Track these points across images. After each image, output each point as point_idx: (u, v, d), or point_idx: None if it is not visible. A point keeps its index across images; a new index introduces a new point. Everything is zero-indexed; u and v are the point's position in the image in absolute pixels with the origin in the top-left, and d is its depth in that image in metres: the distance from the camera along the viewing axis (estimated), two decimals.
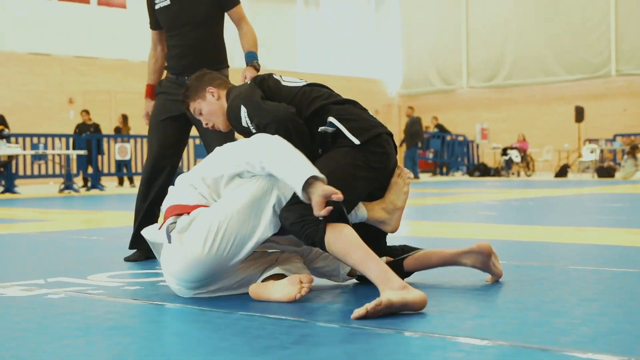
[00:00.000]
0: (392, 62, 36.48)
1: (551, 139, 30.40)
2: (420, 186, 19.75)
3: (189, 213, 3.78)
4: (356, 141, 3.95)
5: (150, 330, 3.30)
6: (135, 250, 5.57)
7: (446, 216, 9.97)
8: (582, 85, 31.01)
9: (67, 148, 19.89)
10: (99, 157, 20.96)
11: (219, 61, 5.50)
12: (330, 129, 3.99)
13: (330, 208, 3.48)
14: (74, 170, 19.84)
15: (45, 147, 19.97)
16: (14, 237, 7.79)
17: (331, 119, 4.01)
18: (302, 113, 4.04)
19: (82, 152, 19.25)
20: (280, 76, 4.29)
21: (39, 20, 25.40)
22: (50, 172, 21.14)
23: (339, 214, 3.60)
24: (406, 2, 35.76)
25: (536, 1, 31.70)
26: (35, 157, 20.20)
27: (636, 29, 29.76)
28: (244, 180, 3.82)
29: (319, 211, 3.48)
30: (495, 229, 7.69)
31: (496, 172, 27.32)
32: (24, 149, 19.80)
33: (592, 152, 26.10)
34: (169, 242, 3.77)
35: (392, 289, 3.39)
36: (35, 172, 21.19)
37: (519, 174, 27.25)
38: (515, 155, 27.17)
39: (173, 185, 4.16)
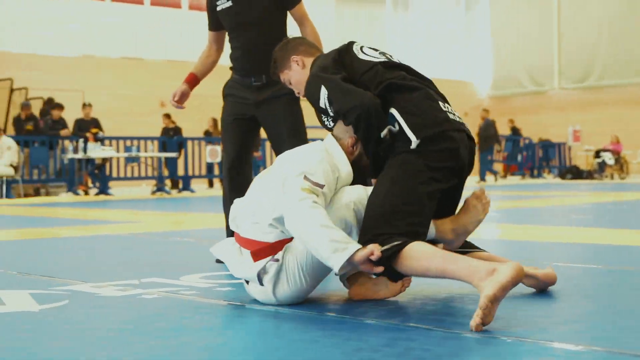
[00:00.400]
0: (482, 64, 36.19)
1: None
2: (509, 189, 19.56)
3: (273, 255, 3.66)
4: (414, 138, 3.67)
5: (241, 331, 3.32)
6: None
7: (537, 219, 9.85)
8: None
9: (160, 151, 20.12)
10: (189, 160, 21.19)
11: None
12: (394, 129, 3.74)
13: (381, 268, 3.43)
14: (165, 172, 20.07)
15: (138, 150, 20.22)
16: (107, 238, 7.92)
17: (393, 111, 3.76)
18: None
19: (174, 154, 19.48)
20: (361, 47, 4.09)
21: (130, 25, 25.74)
22: (142, 174, 21.41)
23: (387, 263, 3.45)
24: (496, 5, 35.46)
25: (630, 1, 31.17)
26: (128, 160, 20.46)
27: None
28: None
29: (368, 270, 3.48)
30: (589, 233, 7.57)
31: (589, 175, 26.90)
32: (118, 151, 20.08)
33: None
34: (261, 284, 3.70)
35: (481, 279, 3.20)
36: (129, 174, 21.47)
37: (612, 177, 26.81)
38: (608, 158, 26.74)
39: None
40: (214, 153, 21.62)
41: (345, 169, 3.78)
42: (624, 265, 5.08)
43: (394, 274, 3.54)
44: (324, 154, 3.74)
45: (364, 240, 3.53)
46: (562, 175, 27.68)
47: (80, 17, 25.00)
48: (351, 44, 4.12)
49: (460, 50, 36.66)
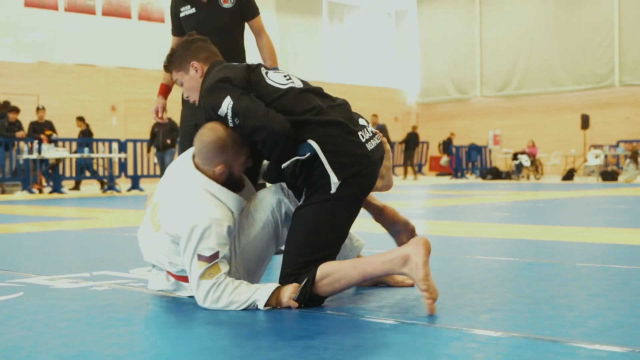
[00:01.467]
0: (411, 73, 36.44)
1: (559, 145, 30.30)
2: (437, 188, 19.71)
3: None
4: (335, 180, 3.44)
5: (189, 322, 3.29)
6: None
7: (462, 216, 9.93)
8: (588, 94, 30.92)
9: (110, 152, 19.95)
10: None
11: None
12: (306, 155, 3.47)
13: (295, 304, 3.40)
14: (116, 172, 19.92)
15: (90, 151, 20.06)
16: (61, 234, 7.83)
17: (312, 143, 3.48)
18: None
19: (124, 155, 19.33)
20: (266, 73, 3.72)
21: (85, 33, 25.55)
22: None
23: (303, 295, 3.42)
24: (424, 17, 35.74)
25: (546, 16, 31.64)
26: (80, 160, 20.30)
27: (638, 43, 29.62)
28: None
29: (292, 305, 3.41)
30: (508, 229, 7.65)
31: (507, 176, 27.20)
32: (71, 152, 19.91)
33: (596, 157, 25.98)
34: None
35: (402, 267, 3.30)
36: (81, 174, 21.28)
37: (528, 177, 27.13)
38: (525, 160, 27.06)
39: None
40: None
41: (232, 201, 3.58)
42: (541, 258, 5.13)
43: (319, 300, 3.47)
44: (205, 196, 3.55)
45: (283, 274, 3.51)
46: (483, 176, 27.95)
47: (38, 26, 24.74)
48: (259, 65, 3.81)
49: (391, 60, 36.88)
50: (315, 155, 3.46)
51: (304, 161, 3.48)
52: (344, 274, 3.40)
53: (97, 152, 20.23)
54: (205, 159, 3.60)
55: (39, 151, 18.33)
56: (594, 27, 30.54)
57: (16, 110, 19.36)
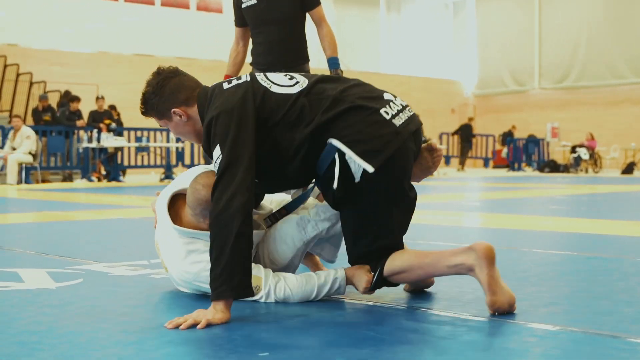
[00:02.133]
0: (468, 64, 36.20)
1: (618, 138, 29.89)
2: (494, 181, 19.58)
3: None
4: (370, 168, 3.19)
5: (245, 309, 3.30)
6: None
7: (519, 209, 9.85)
8: None
9: (167, 141, 20.11)
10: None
11: (302, 57, 5.49)
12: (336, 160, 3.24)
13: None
14: (174, 161, 20.07)
15: (148, 140, 20.25)
16: (119, 222, 7.91)
17: (334, 142, 3.24)
18: (296, 134, 3.25)
19: (181, 144, 19.46)
20: (266, 76, 3.43)
21: (144, 24, 25.75)
22: (152, 163, 21.44)
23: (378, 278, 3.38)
24: (482, 8, 35.45)
25: (607, 7, 31.20)
26: (138, 149, 20.49)
27: None
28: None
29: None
30: (566, 222, 7.58)
31: (565, 169, 26.92)
32: (129, 141, 20.09)
33: None
34: None
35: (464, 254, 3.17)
36: (139, 163, 21.50)
37: (587, 171, 26.83)
38: (583, 153, 26.76)
39: None
40: None
41: None
42: (600, 252, 5.07)
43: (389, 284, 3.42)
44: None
45: (353, 259, 3.44)
46: (540, 169, 27.69)
47: (97, 16, 25.00)
48: (253, 77, 3.41)
49: (448, 52, 36.68)
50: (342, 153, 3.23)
51: (340, 161, 3.24)
52: (410, 274, 3.32)
53: (155, 141, 20.40)
54: (200, 215, 3.44)
55: (98, 140, 18.52)
56: None
57: (77, 99, 19.62)
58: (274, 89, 3.33)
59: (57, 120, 19.43)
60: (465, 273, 3.18)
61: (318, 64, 7.30)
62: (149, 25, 25.88)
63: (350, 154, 3.20)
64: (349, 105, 3.26)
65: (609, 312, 3.15)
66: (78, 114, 19.42)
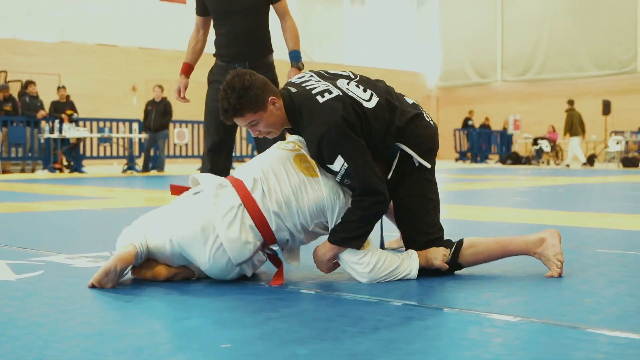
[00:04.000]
0: (432, 57, 36.32)
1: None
2: (456, 172, 19.67)
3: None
4: (428, 165, 3.89)
5: (205, 301, 3.30)
6: None
7: (481, 201, 9.91)
8: (610, 80, 30.73)
9: (130, 132, 20.02)
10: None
11: (266, 48, 5.47)
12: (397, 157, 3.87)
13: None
14: (136, 152, 19.97)
15: (110, 131, 20.15)
16: (81, 213, 7.86)
17: (401, 145, 3.83)
18: (378, 143, 3.78)
19: (144, 135, 19.37)
20: (354, 94, 3.76)
21: (107, 14, 25.58)
22: (114, 154, 21.35)
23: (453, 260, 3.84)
24: (445, 2, 35.59)
25: (568, 1, 31.43)
26: (101, 140, 20.40)
27: None
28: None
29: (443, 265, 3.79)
30: (527, 214, 7.63)
31: (527, 161, 27.13)
32: (91, 132, 19.99)
33: (617, 143, 25.85)
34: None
35: (537, 247, 3.83)
36: (101, 154, 21.39)
37: (548, 163, 27.05)
38: (545, 145, 26.98)
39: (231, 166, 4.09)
40: (181, 135, 21.56)
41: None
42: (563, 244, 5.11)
43: (459, 267, 3.88)
44: None
45: (424, 241, 3.85)
46: (503, 161, 27.88)
47: (60, 5, 24.80)
48: (341, 89, 3.74)
49: (412, 44, 36.78)
50: (403, 151, 3.85)
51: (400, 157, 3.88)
52: (487, 247, 3.86)
53: (118, 132, 20.31)
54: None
55: (60, 130, 18.40)
56: (617, 12, 30.34)
57: (33, 83, 19.48)
58: (361, 101, 3.75)
59: (17, 110, 19.25)
60: (533, 250, 3.85)
61: (282, 56, 7.30)
62: (113, 15, 25.72)
63: (414, 156, 3.85)
64: (411, 116, 3.88)
65: (568, 303, 3.18)
66: (40, 102, 19.27)
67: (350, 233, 3.61)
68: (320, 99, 3.66)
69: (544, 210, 8.05)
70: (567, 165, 24.82)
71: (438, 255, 3.77)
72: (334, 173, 3.63)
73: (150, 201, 9.86)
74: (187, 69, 5.59)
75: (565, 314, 2.97)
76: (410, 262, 3.73)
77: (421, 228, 3.87)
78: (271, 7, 5.48)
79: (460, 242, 3.85)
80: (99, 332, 2.69)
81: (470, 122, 30.01)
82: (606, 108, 26.95)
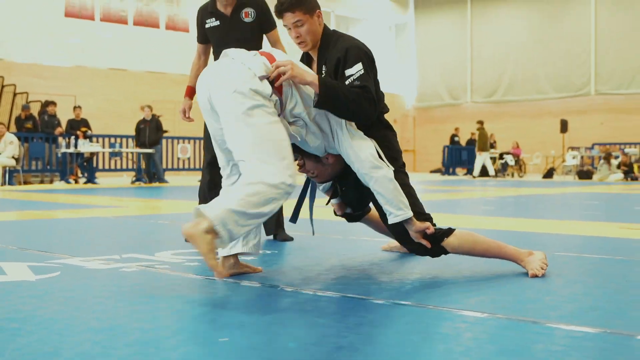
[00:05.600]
0: (409, 80, 36.38)
1: (540, 146, 30.27)
2: (430, 184, 19.70)
3: None
4: (391, 167, 3.78)
5: (205, 299, 3.30)
6: None
7: (452, 209, 9.92)
8: (567, 102, 30.86)
9: (138, 147, 20.01)
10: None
11: None
12: None
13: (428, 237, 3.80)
14: (143, 165, 19.95)
15: (121, 146, 20.13)
16: (94, 220, 7.84)
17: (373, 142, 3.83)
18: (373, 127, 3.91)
19: (150, 150, 19.33)
20: None
21: (118, 41, 25.54)
22: (124, 166, 21.31)
23: (434, 239, 3.82)
24: (421, 30, 35.69)
25: (530, 30, 31.60)
26: (112, 154, 20.40)
27: (612, 56, 29.58)
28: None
29: (418, 240, 3.79)
30: (494, 221, 7.64)
31: (494, 174, 27.22)
32: (104, 147, 19.97)
33: (574, 157, 25.96)
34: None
35: (526, 256, 3.88)
36: (112, 167, 21.36)
37: (513, 175, 27.11)
38: (510, 160, 27.05)
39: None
40: (184, 150, 21.52)
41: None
42: (523, 248, 5.10)
43: (438, 250, 3.84)
44: None
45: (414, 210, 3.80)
46: (472, 174, 27.93)
47: (75, 33, 24.75)
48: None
49: (391, 68, 36.83)
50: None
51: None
52: (486, 241, 3.90)
53: (127, 147, 20.31)
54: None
55: (75, 146, 18.40)
56: (573, 40, 30.50)
57: (53, 103, 19.49)
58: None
59: (37, 128, 19.23)
60: (521, 259, 3.89)
61: None
62: (123, 42, 25.68)
63: (381, 154, 3.79)
64: (388, 124, 4.06)
65: (531, 301, 3.18)
66: (57, 121, 19.25)
67: (337, 89, 3.57)
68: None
69: (508, 218, 8.06)
70: (474, 177, 25.10)
71: (425, 224, 3.77)
72: (348, 78, 3.67)
73: (156, 209, 9.84)
74: (190, 92, 5.59)
75: (527, 310, 2.97)
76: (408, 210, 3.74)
77: (415, 212, 3.84)
78: (264, 36, 5.50)
79: (450, 230, 3.83)
80: (108, 327, 2.68)
81: (456, 139, 29.97)
82: (564, 126, 27.05)
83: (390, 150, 3.90)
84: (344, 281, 3.68)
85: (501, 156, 27.37)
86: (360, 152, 3.67)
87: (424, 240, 3.79)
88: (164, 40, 26.47)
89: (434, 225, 3.85)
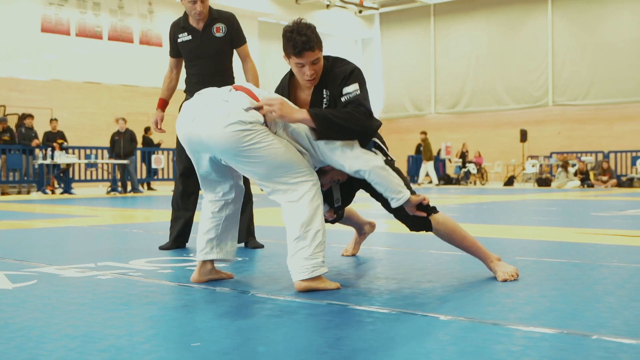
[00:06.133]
0: (375, 92, 36.49)
1: (501, 155, 30.46)
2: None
3: None
4: (379, 154, 3.97)
5: (177, 305, 3.29)
6: (167, 241, 5.58)
7: None
8: (526, 112, 31.08)
9: (112, 158, 19.89)
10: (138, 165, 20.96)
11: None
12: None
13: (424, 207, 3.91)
14: (118, 176, 19.82)
15: (96, 157, 20.00)
16: (70, 229, 7.78)
17: (377, 140, 4.10)
18: None
19: (124, 161, 19.22)
20: None
21: (92, 56, 25.38)
22: (99, 177, 21.19)
23: (427, 209, 3.93)
24: (386, 44, 35.82)
25: (490, 45, 31.84)
26: (87, 165, 20.28)
27: (568, 69, 29.87)
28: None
29: (414, 213, 3.88)
30: None
31: (457, 181, 27.33)
32: (79, 158, 19.82)
33: (533, 166, 26.16)
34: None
35: (494, 259, 3.97)
36: (88, 177, 21.22)
37: (475, 183, 27.26)
38: (472, 168, 27.21)
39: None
40: (158, 160, 21.41)
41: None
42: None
43: (427, 224, 3.93)
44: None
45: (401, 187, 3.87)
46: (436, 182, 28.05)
47: (51, 48, 24.55)
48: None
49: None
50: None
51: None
52: (463, 232, 3.98)
53: (102, 158, 20.20)
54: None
55: (52, 157, 18.26)
56: (531, 54, 30.77)
57: (31, 116, 19.37)
58: None
59: (14, 140, 19.05)
60: (489, 261, 3.97)
61: None
62: (98, 56, 25.52)
63: (384, 147, 4.12)
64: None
65: (490, 304, 3.21)
66: (34, 131, 19.11)
67: (330, 119, 3.60)
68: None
69: (471, 224, 8.11)
70: (419, 184, 25.31)
71: (417, 199, 3.85)
72: (344, 95, 3.73)
73: (131, 218, 9.79)
74: (163, 104, 5.61)
75: (488, 313, 3.00)
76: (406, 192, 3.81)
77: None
78: (235, 51, 5.53)
79: (435, 209, 3.96)
80: (83, 334, 2.67)
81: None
82: (523, 136, 27.27)
83: (384, 144, 4.14)
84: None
85: (464, 165, 27.52)
86: (347, 152, 3.69)
87: (420, 212, 3.88)
88: (137, 54, 26.36)
89: None
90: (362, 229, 5.07)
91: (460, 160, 28.05)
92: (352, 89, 3.73)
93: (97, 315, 3.02)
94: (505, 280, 3.79)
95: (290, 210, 3.54)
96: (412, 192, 3.86)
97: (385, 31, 35.92)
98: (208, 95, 3.61)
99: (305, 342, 2.53)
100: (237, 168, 3.60)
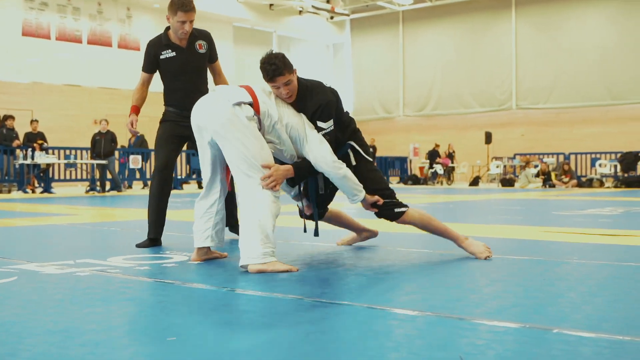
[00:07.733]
0: (346, 96, 36.52)
1: (467, 157, 30.61)
2: None
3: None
4: (370, 158, 4.77)
5: (154, 301, 3.27)
6: (145, 239, 5.55)
7: None
8: (491, 115, 31.31)
9: (92, 159, 19.73)
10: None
11: None
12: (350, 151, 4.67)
13: (378, 205, 4.68)
14: (97, 175, 19.68)
15: (75, 158, 19.86)
16: (50, 228, 7.71)
17: (352, 143, 4.69)
18: (339, 135, 4.58)
19: (104, 161, 19.08)
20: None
21: (73, 59, 25.21)
22: (79, 177, 21.03)
23: (387, 207, 4.70)
24: (357, 49, 35.89)
25: (456, 50, 32.00)
26: (67, 165, 20.13)
27: (531, 74, 30.11)
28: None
29: (368, 209, 4.69)
30: None
31: (424, 182, 27.44)
32: (59, 158, 19.67)
33: (497, 167, 26.32)
34: None
35: (465, 240, 4.71)
36: (67, 177, 21.06)
37: (442, 183, 27.38)
38: (439, 169, 27.32)
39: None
40: (135, 161, 21.28)
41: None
42: (450, 251, 5.17)
43: (392, 215, 4.71)
44: None
45: (377, 192, 4.69)
46: (404, 182, 28.13)
47: (33, 52, 24.34)
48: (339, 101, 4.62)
49: (329, 84, 36.84)
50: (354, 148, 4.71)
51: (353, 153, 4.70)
52: (437, 221, 4.81)
53: (82, 158, 20.06)
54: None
55: (32, 157, 18.10)
56: (496, 59, 30.98)
57: (12, 117, 19.20)
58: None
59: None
60: (461, 242, 4.75)
61: None
62: (78, 59, 25.35)
63: (361, 151, 4.71)
64: (356, 127, 4.80)
65: (457, 299, 3.22)
66: (15, 132, 18.93)
67: (304, 168, 4.36)
68: (323, 85, 4.57)
69: None
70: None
71: (372, 199, 4.64)
72: (320, 130, 4.36)
73: (109, 217, 9.71)
74: (136, 110, 5.77)
75: (454, 308, 3.00)
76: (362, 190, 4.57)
77: (380, 188, 4.69)
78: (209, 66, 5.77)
79: (403, 204, 4.75)
80: (63, 329, 2.64)
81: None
82: (488, 138, 27.44)
83: (364, 146, 4.73)
84: (285, 284, 3.67)
85: (431, 165, 27.63)
86: (323, 158, 4.30)
87: (373, 208, 4.67)
88: (116, 58, 26.21)
89: (394, 196, 4.72)
90: (361, 234, 5.54)
91: (428, 161, 28.15)
92: (327, 125, 4.36)
93: (76, 310, 3.00)
94: (487, 258, 4.56)
95: (246, 198, 4.14)
96: (389, 194, 4.72)
97: (355, 36, 35.99)
98: (220, 90, 4.30)
99: (277, 337, 2.52)
100: (220, 145, 4.18)
